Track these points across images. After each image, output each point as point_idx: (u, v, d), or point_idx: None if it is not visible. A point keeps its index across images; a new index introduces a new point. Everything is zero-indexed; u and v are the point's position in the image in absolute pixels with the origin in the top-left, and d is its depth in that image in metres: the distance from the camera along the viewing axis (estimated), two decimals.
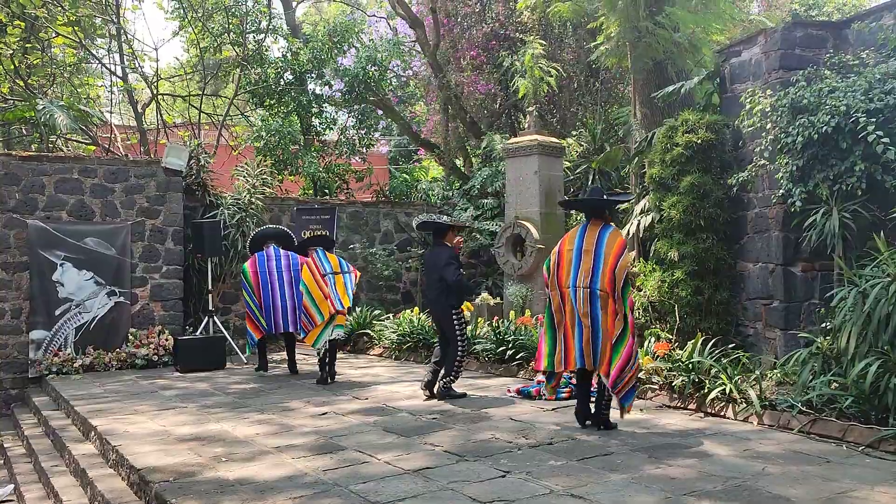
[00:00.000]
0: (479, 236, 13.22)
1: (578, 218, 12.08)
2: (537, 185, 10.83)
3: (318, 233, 11.68)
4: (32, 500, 6.13)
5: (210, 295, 11.14)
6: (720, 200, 7.76)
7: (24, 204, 10.46)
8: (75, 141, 14.08)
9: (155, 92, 14.67)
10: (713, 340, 6.92)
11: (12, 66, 13.00)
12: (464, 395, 7.26)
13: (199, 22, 15.04)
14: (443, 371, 7.30)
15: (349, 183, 15.84)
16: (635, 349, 5.58)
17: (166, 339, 10.73)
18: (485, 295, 11.42)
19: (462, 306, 7.42)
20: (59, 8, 13.41)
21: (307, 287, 8.43)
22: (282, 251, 9.43)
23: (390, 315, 11.76)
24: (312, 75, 15.49)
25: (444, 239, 7.42)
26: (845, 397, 5.38)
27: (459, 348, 7.21)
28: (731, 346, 6.93)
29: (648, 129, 9.26)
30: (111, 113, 15.68)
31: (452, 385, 7.26)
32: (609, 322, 5.54)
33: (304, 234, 11.29)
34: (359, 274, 9.09)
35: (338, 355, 9.21)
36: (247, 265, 9.37)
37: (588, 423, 5.81)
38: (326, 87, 16.01)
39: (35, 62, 13.71)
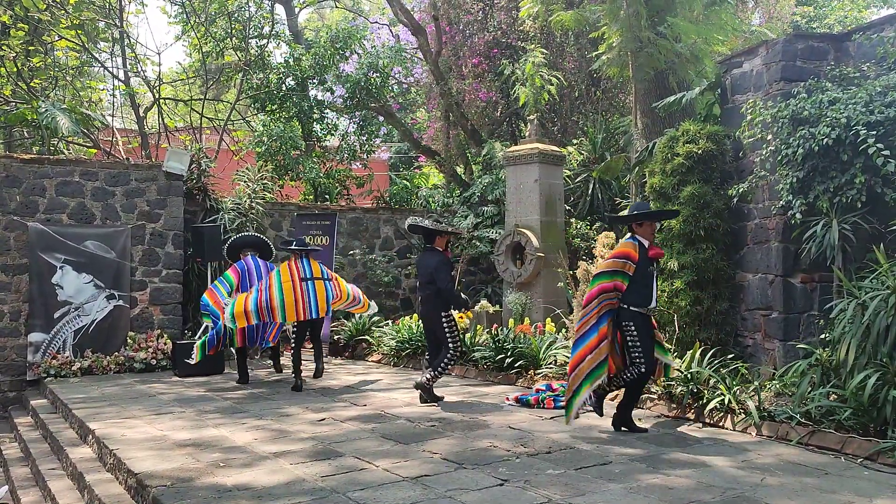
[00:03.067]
0: (478, 244, 13.23)
1: (579, 227, 12.11)
2: (538, 193, 10.84)
3: (311, 238, 11.68)
4: None
5: None
6: (720, 211, 7.77)
7: (24, 206, 10.46)
8: (77, 144, 14.10)
9: (157, 96, 14.70)
10: (712, 351, 6.91)
11: (15, 69, 13.04)
12: (440, 399, 7.34)
13: (201, 27, 15.09)
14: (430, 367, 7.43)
15: (350, 189, 15.86)
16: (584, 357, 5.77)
17: (165, 344, 10.71)
18: (484, 303, 11.42)
19: (456, 312, 7.45)
20: (63, 11, 13.44)
21: (282, 286, 8.34)
22: (260, 261, 9.32)
23: (389, 321, 11.76)
24: (314, 81, 15.54)
25: (433, 243, 7.51)
26: (844, 409, 5.38)
27: (451, 349, 7.30)
28: (730, 356, 6.92)
29: (649, 139, 9.28)
30: (113, 116, 15.70)
31: (433, 385, 7.37)
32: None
33: (306, 240, 11.26)
34: (341, 280, 9.05)
35: (336, 361, 9.21)
36: (229, 273, 9.12)
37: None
38: (328, 92, 16.05)
39: (38, 65, 13.74)
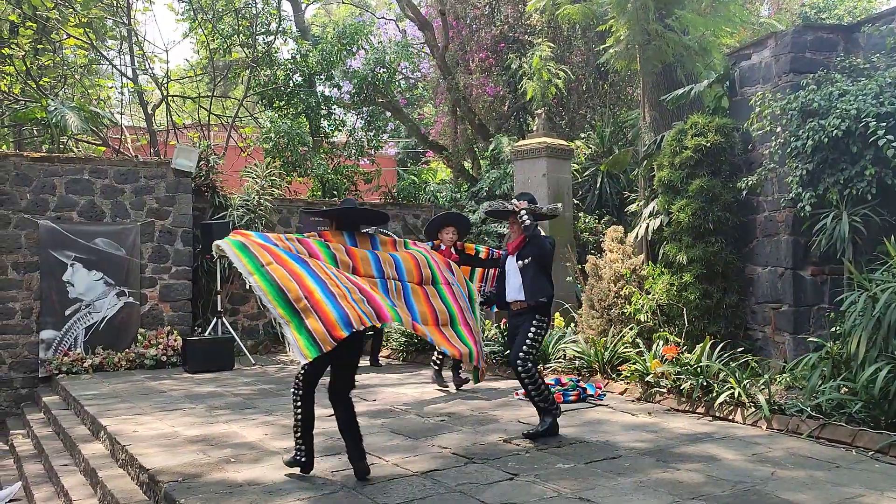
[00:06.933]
0: (486, 238, 13.22)
1: (587, 221, 12.08)
2: (545, 187, 10.81)
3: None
4: (42, 500, 6.17)
5: (219, 296, 11.17)
6: (729, 204, 7.74)
7: (35, 204, 10.52)
8: (86, 142, 14.17)
9: (165, 93, 14.74)
10: (722, 344, 6.90)
11: (24, 67, 13.10)
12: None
13: (209, 24, 15.11)
14: None
15: (357, 184, 15.85)
16: None
17: (175, 340, 10.76)
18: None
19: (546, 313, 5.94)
20: (71, 9, 13.49)
21: None
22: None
23: None
24: (321, 77, 15.53)
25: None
26: (855, 402, 5.36)
27: None
28: (739, 349, 6.92)
29: (657, 132, 9.25)
30: (121, 114, 15.77)
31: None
32: None
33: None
34: None
35: None
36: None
37: None
38: (335, 88, 16.05)
39: (46, 63, 13.81)
